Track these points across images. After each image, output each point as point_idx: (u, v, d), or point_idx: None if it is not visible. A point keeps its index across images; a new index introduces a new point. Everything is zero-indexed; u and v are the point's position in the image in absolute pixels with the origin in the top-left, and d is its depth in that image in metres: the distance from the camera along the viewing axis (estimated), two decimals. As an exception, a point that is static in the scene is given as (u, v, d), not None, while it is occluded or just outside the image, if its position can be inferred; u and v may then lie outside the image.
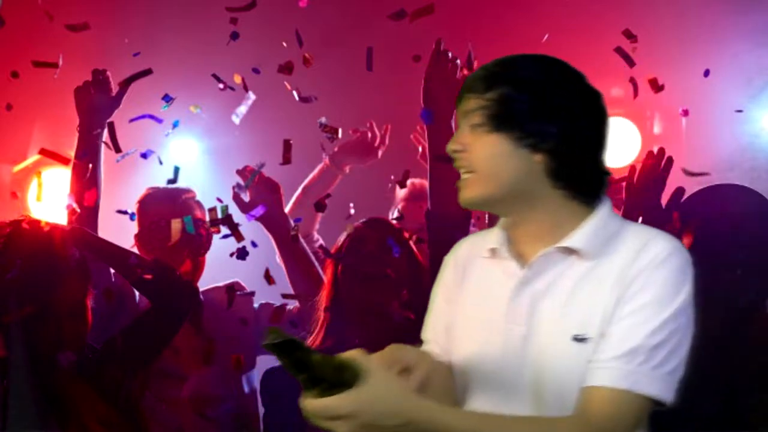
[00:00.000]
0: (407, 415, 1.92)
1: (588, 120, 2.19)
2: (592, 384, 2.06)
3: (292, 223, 3.80)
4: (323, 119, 3.64)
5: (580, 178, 2.17)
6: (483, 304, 2.22)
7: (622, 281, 2.08)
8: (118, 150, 3.73)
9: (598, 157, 2.20)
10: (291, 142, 3.62)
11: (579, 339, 2.09)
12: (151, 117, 3.83)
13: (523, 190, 2.15)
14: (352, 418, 1.90)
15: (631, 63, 3.71)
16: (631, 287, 2.08)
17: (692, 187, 3.35)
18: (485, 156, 2.15)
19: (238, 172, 3.77)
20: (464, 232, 3.56)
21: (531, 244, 2.19)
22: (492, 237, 2.26)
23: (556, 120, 2.14)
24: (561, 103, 2.15)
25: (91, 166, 3.67)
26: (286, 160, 3.63)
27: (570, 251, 2.15)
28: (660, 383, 2.07)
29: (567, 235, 2.15)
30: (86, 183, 3.66)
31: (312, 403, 1.91)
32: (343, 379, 1.91)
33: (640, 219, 3.23)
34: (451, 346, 2.27)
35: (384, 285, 3.48)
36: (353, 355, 1.95)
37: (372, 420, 1.91)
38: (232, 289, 3.77)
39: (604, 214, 2.18)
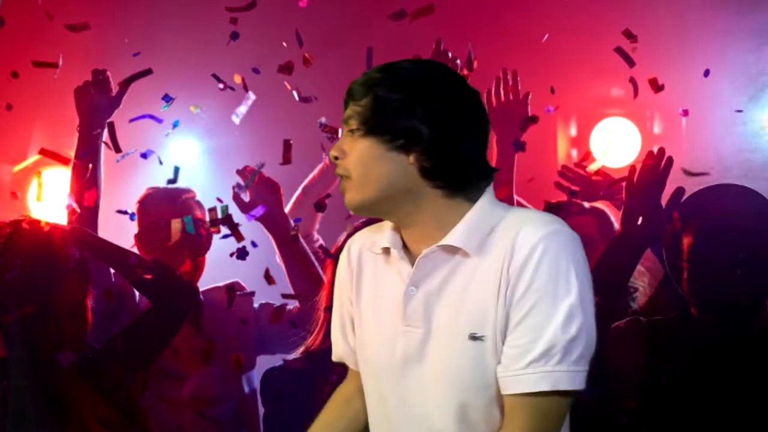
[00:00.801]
0: None
1: (462, 118, 2.15)
2: (513, 392, 2.07)
3: (292, 223, 3.80)
4: (323, 119, 3.64)
5: (456, 175, 2.14)
6: (380, 305, 2.24)
7: (505, 282, 2.08)
8: (118, 150, 3.73)
9: (475, 152, 2.16)
10: (291, 142, 3.62)
11: (476, 338, 2.10)
12: (151, 117, 3.83)
13: (401, 192, 2.15)
14: None
15: (631, 63, 3.71)
16: (517, 288, 2.07)
17: (692, 187, 3.35)
18: (358, 160, 2.16)
19: (238, 172, 3.77)
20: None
21: (419, 243, 2.18)
22: (385, 234, 2.25)
23: (426, 120, 2.12)
24: (431, 102, 2.13)
25: (91, 166, 3.67)
26: (286, 160, 3.63)
27: (452, 249, 2.14)
28: (579, 376, 2.07)
29: (445, 234, 2.15)
30: (86, 183, 3.66)
31: None
32: None
33: (641, 219, 3.23)
34: (357, 347, 2.31)
35: (384, 285, 3.48)
36: None
37: None
38: (232, 289, 3.77)
39: (483, 208, 2.16)
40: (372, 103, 2.14)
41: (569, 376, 2.05)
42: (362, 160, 2.15)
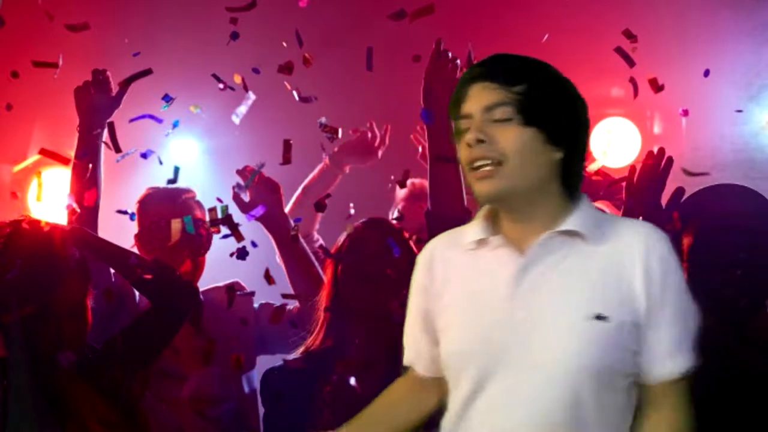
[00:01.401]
0: None
1: (586, 124, 2.29)
2: (661, 379, 2.26)
3: (292, 223, 3.80)
4: (323, 119, 3.64)
5: (578, 177, 2.27)
6: (477, 294, 2.26)
7: (648, 278, 2.20)
8: (118, 150, 3.73)
9: (585, 161, 2.32)
10: (291, 142, 3.62)
11: (600, 317, 2.18)
12: (151, 117, 3.83)
13: (541, 184, 2.22)
14: None
15: (631, 63, 3.71)
16: (666, 288, 2.22)
17: (692, 187, 3.35)
18: (519, 149, 2.18)
19: (238, 172, 3.76)
20: (464, 232, 3.57)
21: (526, 235, 2.25)
22: (473, 230, 2.30)
23: (576, 118, 2.24)
24: (578, 103, 2.25)
25: (91, 166, 3.66)
26: (286, 160, 3.63)
27: (568, 234, 2.22)
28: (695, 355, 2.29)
29: (560, 223, 2.23)
30: (86, 183, 3.66)
31: None
32: None
33: (641, 219, 3.23)
34: (442, 344, 2.31)
35: (384, 285, 3.48)
36: None
37: None
38: (232, 289, 3.77)
39: (586, 204, 2.28)
40: (533, 92, 2.18)
41: (695, 357, 2.30)
42: (524, 150, 2.18)
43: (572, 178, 2.25)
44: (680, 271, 2.27)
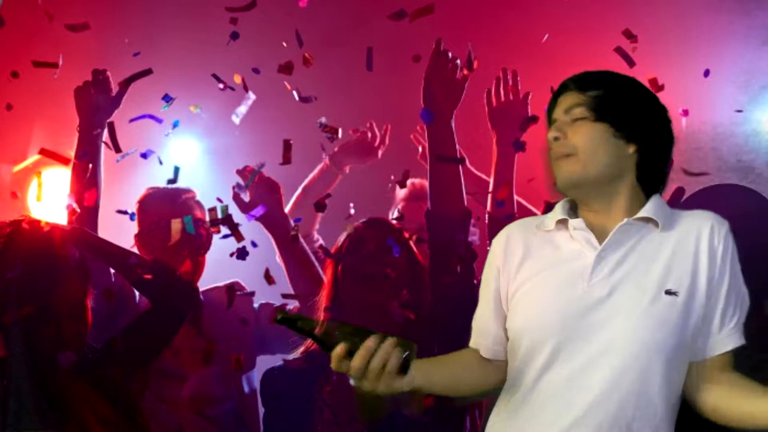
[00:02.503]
0: None
1: (664, 129, 2.55)
2: (724, 351, 2.46)
3: (292, 223, 3.80)
4: (323, 119, 3.64)
5: (656, 175, 2.50)
6: (555, 271, 2.43)
7: (711, 256, 2.44)
8: (118, 150, 3.73)
9: (668, 162, 2.55)
10: (291, 142, 3.62)
11: (671, 293, 2.38)
12: (151, 117, 3.83)
13: (613, 176, 2.44)
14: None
15: (631, 63, 3.71)
16: (725, 264, 2.46)
17: (692, 187, 3.35)
18: (586, 140, 2.42)
19: (238, 172, 3.77)
20: (464, 232, 3.57)
21: (601, 219, 2.45)
22: (555, 212, 2.50)
23: (645, 121, 2.48)
24: (647, 108, 2.50)
25: (91, 166, 3.67)
26: (286, 160, 3.63)
27: (644, 221, 2.44)
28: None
29: (636, 212, 2.45)
30: (86, 183, 3.66)
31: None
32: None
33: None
34: (518, 318, 2.45)
35: (384, 285, 3.48)
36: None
37: None
38: (232, 289, 3.77)
39: (659, 198, 2.51)
40: (603, 95, 2.45)
41: (744, 331, 2.50)
42: (593, 141, 2.43)
43: (647, 172, 2.47)
44: (736, 253, 2.49)
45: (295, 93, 3.77)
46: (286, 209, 3.92)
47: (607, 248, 2.41)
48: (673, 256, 2.42)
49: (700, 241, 2.44)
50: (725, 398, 2.46)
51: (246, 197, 3.74)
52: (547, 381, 2.38)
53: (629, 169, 2.46)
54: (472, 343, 2.55)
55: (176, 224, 3.66)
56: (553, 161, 2.48)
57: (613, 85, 2.49)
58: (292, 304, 3.78)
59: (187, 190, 3.91)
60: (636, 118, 2.47)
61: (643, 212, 2.45)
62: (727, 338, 2.47)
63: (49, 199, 4.01)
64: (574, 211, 2.51)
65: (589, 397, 2.34)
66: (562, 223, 2.48)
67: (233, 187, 3.72)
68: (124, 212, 3.80)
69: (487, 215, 3.75)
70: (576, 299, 2.38)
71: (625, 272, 2.40)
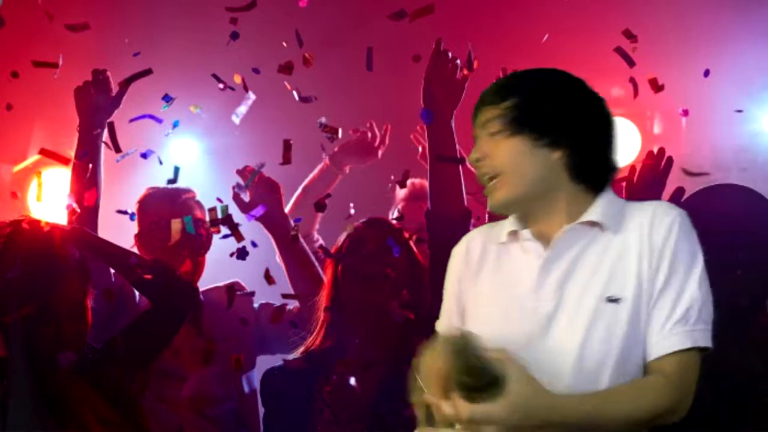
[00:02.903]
0: (552, 415, 2.14)
1: (595, 121, 2.38)
2: (659, 354, 2.28)
3: (292, 223, 3.80)
4: (323, 119, 3.64)
5: (594, 172, 2.36)
6: (505, 285, 2.37)
7: (650, 251, 2.29)
8: (118, 150, 3.73)
9: (608, 154, 2.39)
10: (291, 142, 3.62)
11: (612, 300, 2.27)
12: (151, 117, 3.83)
13: (546, 187, 2.33)
14: (505, 421, 2.12)
15: (631, 63, 3.71)
16: (662, 258, 2.30)
17: (692, 187, 3.35)
18: (508, 158, 2.32)
19: (238, 172, 3.76)
20: (464, 232, 3.54)
21: (547, 227, 2.36)
22: (506, 224, 2.43)
23: (568, 121, 2.33)
24: (570, 106, 2.35)
25: (91, 166, 3.67)
26: (286, 160, 3.63)
27: (590, 224, 2.33)
28: (709, 334, 2.32)
29: (581, 216, 2.34)
30: (86, 183, 3.66)
31: (466, 408, 2.11)
32: (486, 381, 2.11)
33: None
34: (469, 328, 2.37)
35: (384, 285, 3.48)
36: (491, 355, 2.12)
37: (521, 422, 2.12)
38: (232, 289, 3.77)
39: (609, 195, 2.38)
40: (515, 105, 2.32)
41: (704, 334, 2.31)
42: (513, 158, 2.32)
43: (584, 171, 2.34)
44: (687, 244, 2.32)
45: (295, 93, 3.77)
46: (286, 209, 3.92)
47: (550, 259, 2.32)
48: (617, 260, 2.30)
49: (642, 238, 2.31)
50: None
51: (246, 197, 3.74)
52: None
53: (561, 174, 2.33)
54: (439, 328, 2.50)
55: (176, 224, 3.66)
56: (481, 183, 2.38)
57: (528, 90, 2.35)
58: (292, 304, 3.78)
59: (187, 190, 3.91)
60: (555, 121, 2.32)
61: (586, 216, 2.33)
62: (665, 340, 2.28)
63: (49, 199, 4.01)
64: (526, 219, 2.41)
65: None
66: (513, 234, 2.40)
67: (233, 187, 3.72)
68: (124, 212, 3.80)
69: (487, 215, 3.75)
70: (526, 317, 2.31)
71: (573, 283, 2.30)
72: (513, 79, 2.41)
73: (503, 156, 2.32)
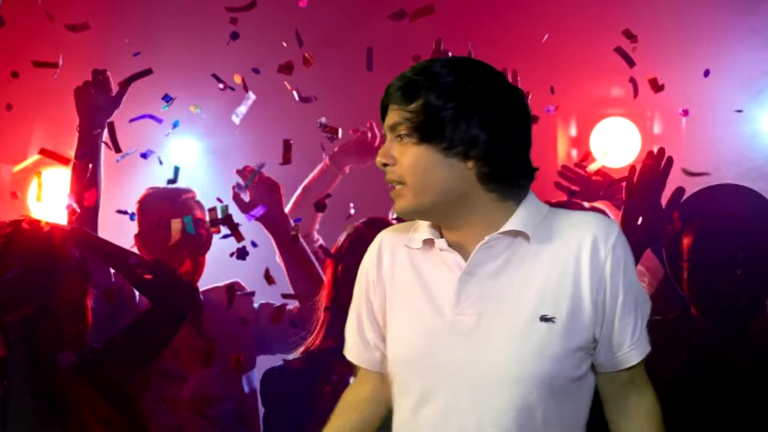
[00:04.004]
0: None
1: (514, 120, 2.18)
2: (620, 369, 2.24)
3: (292, 223, 3.80)
4: (323, 119, 3.64)
5: (511, 179, 2.19)
6: (419, 298, 2.22)
7: (599, 278, 2.16)
8: (118, 150, 3.73)
9: (526, 153, 2.22)
10: (291, 142, 3.62)
11: (547, 319, 2.14)
12: (151, 117, 3.83)
13: (456, 197, 2.17)
14: None
15: (631, 63, 3.71)
16: (617, 289, 2.18)
17: (692, 187, 3.35)
18: (414, 168, 2.16)
19: (238, 172, 3.77)
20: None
21: (468, 241, 2.20)
22: (422, 230, 2.27)
23: (483, 125, 2.14)
24: (486, 107, 2.15)
25: (91, 166, 3.67)
26: (286, 160, 3.63)
27: (512, 234, 2.18)
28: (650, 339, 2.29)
29: (503, 224, 2.18)
30: (86, 183, 3.66)
31: None
32: None
33: (641, 219, 3.23)
34: (388, 350, 2.28)
35: (384, 285, 3.47)
36: None
37: None
38: (232, 289, 3.77)
39: (532, 202, 2.22)
40: (424, 110, 2.14)
41: (647, 343, 2.27)
42: (418, 168, 2.16)
43: (500, 180, 2.17)
44: (630, 259, 2.21)
45: (295, 93, 3.77)
46: (286, 209, 3.92)
47: (471, 270, 2.17)
48: (548, 274, 2.15)
49: (580, 260, 2.15)
50: (615, 423, 2.29)
51: (246, 197, 3.74)
52: (423, 419, 2.20)
53: (475, 184, 2.16)
54: (350, 357, 2.39)
55: (176, 224, 3.66)
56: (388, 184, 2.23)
57: (437, 91, 2.13)
58: (292, 304, 3.78)
59: (187, 190, 3.91)
60: (466, 129, 2.13)
61: (509, 225, 2.16)
62: (628, 354, 2.23)
63: (49, 199, 4.02)
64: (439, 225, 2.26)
65: None
66: (429, 242, 2.24)
67: (233, 187, 3.72)
68: (124, 212, 3.80)
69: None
70: (443, 330, 2.17)
71: (496, 296, 2.16)
72: (420, 74, 2.17)
73: (409, 164, 2.15)
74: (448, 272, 2.20)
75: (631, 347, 2.22)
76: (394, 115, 2.18)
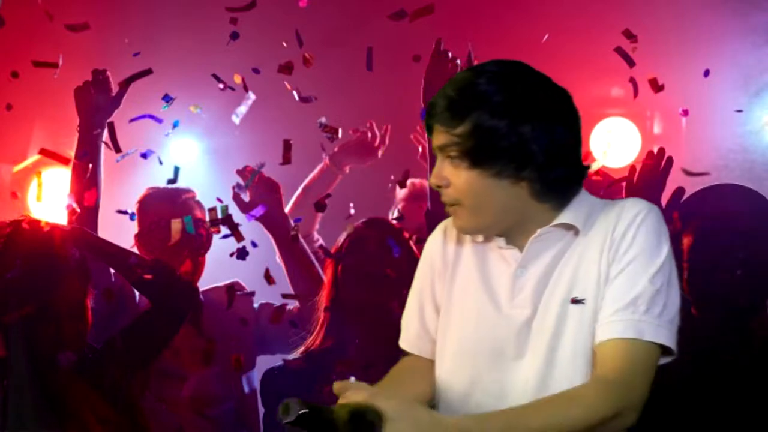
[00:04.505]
0: None
1: (564, 125, 2.17)
2: (600, 340, 2.12)
3: (292, 223, 3.80)
4: (323, 119, 3.64)
5: (562, 190, 2.20)
6: (481, 289, 2.25)
7: (610, 245, 2.15)
8: (118, 150, 3.73)
9: (577, 158, 2.22)
10: (291, 142, 3.62)
11: (577, 301, 2.15)
12: (151, 117, 3.83)
13: (512, 214, 2.19)
14: None
15: (631, 63, 3.71)
16: (619, 248, 2.14)
17: (692, 187, 3.35)
18: (468, 191, 2.16)
19: (238, 172, 3.77)
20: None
21: (525, 236, 2.22)
22: None
23: (536, 140, 2.12)
24: (538, 119, 2.12)
25: (91, 166, 3.67)
26: (286, 160, 3.63)
27: (563, 228, 2.20)
28: (664, 331, 2.13)
29: (554, 219, 2.20)
30: (86, 183, 3.66)
31: None
32: (366, 425, 1.93)
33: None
34: (441, 334, 2.29)
35: (384, 285, 3.48)
36: (365, 398, 1.94)
37: None
38: (232, 289, 3.77)
39: (582, 196, 2.23)
40: (474, 133, 2.11)
41: (653, 328, 2.10)
42: (474, 191, 2.15)
43: (554, 194, 2.18)
44: (648, 236, 2.15)
45: (295, 93, 3.77)
46: (286, 209, 3.92)
47: (524, 264, 2.21)
48: (584, 260, 2.17)
49: (606, 235, 2.16)
50: None
51: (246, 197, 3.74)
52: (474, 402, 2.22)
53: (528, 200, 2.17)
54: (404, 343, 2.39)
55: (176, 224, 3.66)
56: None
57: (485, 109, 2.10)
58: (292, 304, 3.78)
59: (187, 190, 3.91)
60: (517, 151, 2.11)
61: (559, 219, 2.19)
62: (607, 326, 2.13)
63: (49, 199, 4.01)
64: None
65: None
66: (489, 237, 2.26)
67: (233, 187, 3.72)
68: (124, 212, 3.80)
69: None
70: (496, 323, 2.21)
71: (545, 286, 2.19)
72: (466, 93, 2.13)
73: (463, 187, 2.15)
74: (506, 266, 2.24)
75: (608, 321, 2.12)
76: (442, 137, 2.16)
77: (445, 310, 2.31)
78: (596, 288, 2.15)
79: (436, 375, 2.31)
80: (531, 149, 2.12)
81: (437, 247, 2.34)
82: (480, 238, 2.28)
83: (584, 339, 2.15)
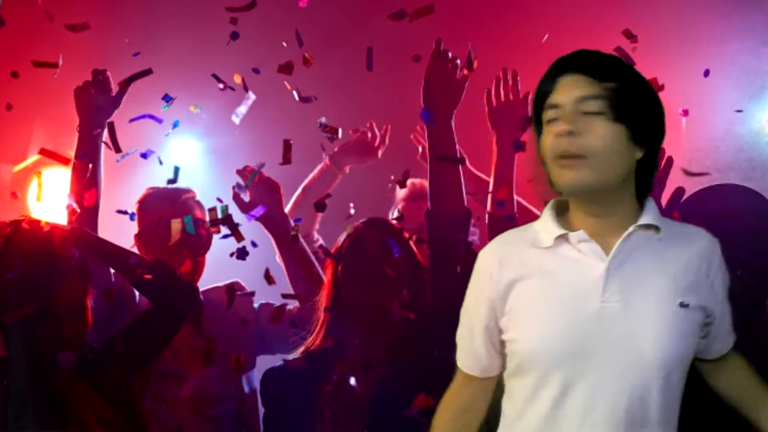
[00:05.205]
0: None
1: (664, 128, 2.35)
2: (730, 348, 2.52)
3: (292, 223, 3.80)
4: (323, 119, 3.64)
5: (651, 176, 2.34)
6: (562, 289, 2.28)
7: (713, 273, 2.37)
8: (118, 150, 3.73)
9: (658, 162, 2.42)
10: (291, 142, 3.62)
11: (684, 305, 2.30)
12: (151, 117, 3.83)
13: (621, 181, 2.26)
14: None
15: (631, 63, 3.70)
16: (717, 277, 2.39)
17: (692, 187, 3.35)
18: (602, 143, 2.21)
19: (238, 172, 3.77)
20: (464, 233, 3.57)
21: (602, 227, 2.30)
22: (544, 226, 2.34)
23: (656, 122, 2.30)
24: (657, 105, 2.31)
25: (91, 166, 3.67)
26: (286, 160, 3.63)
27: (646, 228, 2.30)
28: None
29: (637, 219, 2.30)
30: (86, 183, 3.66)
31: None
32: None
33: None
34: (523, 343, 2.32)
35: (384, 285, 3.48)
36: None
37: None
38: (232, 289, 3.77)
39: (653, 202, 2.36)
40: (624, 89, 2.21)
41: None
42: (611, 146, 2.21)
43: (647, 177, 2.31)
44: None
45: (295, 93, 3.77)
46: (286, 209, 3.92)
47: (616, 259, 2.28)
48: (680, 267, 2.32)
49: (702, 259, 2.36)
50: (733, 389, 2.55)
51: (246, 197, 3.74)
52: (570, 407, 2.28)
53: (632, 173, 2.28)
54: (464, 367, 2.45)
55: (176, 224, 3.66)
56: (554, 159, 2.24)
57: (628, 77, 2.25)
58: (292, 304, 3.78)
59: (187, 190, 3.91)
60: (649, 119, 2.26)
61: (647, 219, 2.30)
62: (728, 340, 2.53)
63: (49, 199, 4.01)
64: (561, 215, 2.34)
65: (615, 416, 2.27)
66: (561, 237, 2.30)
67: (233, 187, 3.73)
68: (124, 212, 3.80)
69: (487, 215, 3.75)
70: (588, 319, 2.26)
71: (638, 285, 2.28)
72: (607, 59, 2.27)
73: (598, 140, 2.20)
74: (588, 262, 2.28)
75: (729, 335, 2.50)
76: (583, 87, 2.22)
77: (520, 324, 2.33)
78: (698, 300, 2.33)
79: (509, 389, 2.37)
80: (654, 129, 2.28)
81: (493, 272, 2.35)
82: (548, 242, 2.31)
83: (687, 337, 2.32)
